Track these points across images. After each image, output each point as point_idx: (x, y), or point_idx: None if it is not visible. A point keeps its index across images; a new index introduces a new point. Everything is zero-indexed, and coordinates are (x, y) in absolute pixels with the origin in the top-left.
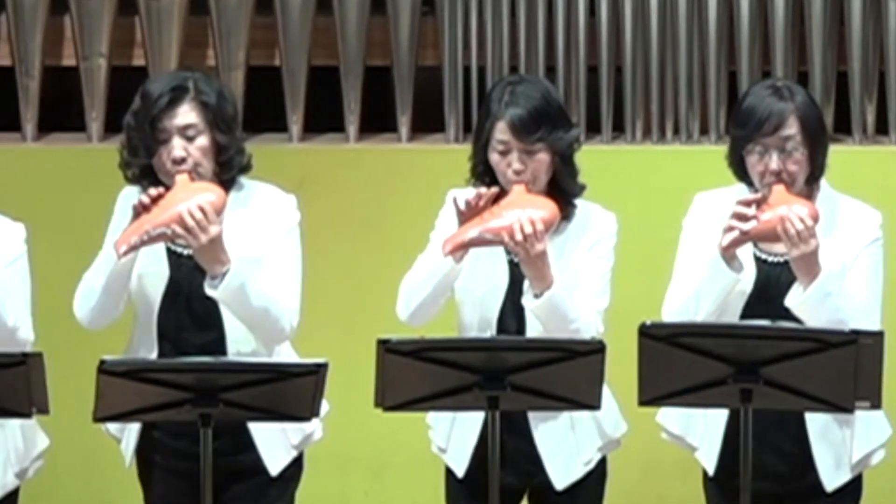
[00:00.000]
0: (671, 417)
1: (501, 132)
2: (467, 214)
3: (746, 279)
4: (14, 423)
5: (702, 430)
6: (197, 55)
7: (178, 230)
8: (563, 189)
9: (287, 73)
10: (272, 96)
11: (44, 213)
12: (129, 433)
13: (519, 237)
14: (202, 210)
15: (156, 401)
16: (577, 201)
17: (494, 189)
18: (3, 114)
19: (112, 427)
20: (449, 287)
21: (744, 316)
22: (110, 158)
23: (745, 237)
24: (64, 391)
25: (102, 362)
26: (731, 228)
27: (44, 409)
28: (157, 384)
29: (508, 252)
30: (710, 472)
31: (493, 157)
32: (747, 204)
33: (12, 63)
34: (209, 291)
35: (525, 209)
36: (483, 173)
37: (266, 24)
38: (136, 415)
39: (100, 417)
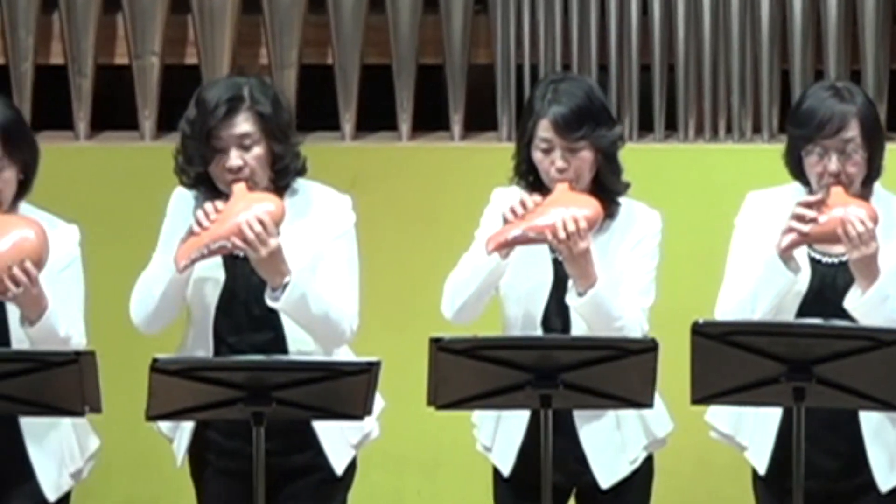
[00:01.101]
0: (720, 417)
1: (544, 130)
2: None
3: (802, 280)
4: (68, 425)
5: (752, 430)
6: (249, 54)
7: (238, 243)
8: (606, 187)
9: (339, 72)
10: (325, 95)
11: (96, 212)
12: (182, 432)
13: (562, 235)
14: (261, 223)
15: (208, 399)
16: (621, 199)
17: (538, 198)
18: (56, 112)
19: (164, 426)
20: (493, 285)
21: (799, 316)
22: (163, 157)
23: (803, 238)
24: (116, 390)
25: (155, 361)
26: (790, 230)
27: (96, 408)
28: (210, 382)
29: (553, 250)
30: (761, 471)
31: (537, 156)
32: (808, 206)
33: (65, 61)
34: (270, 303)
35: (568, 207)
36: (526, 172)
37: (319, 23)
38: (189, 413)
39: (152, 416)
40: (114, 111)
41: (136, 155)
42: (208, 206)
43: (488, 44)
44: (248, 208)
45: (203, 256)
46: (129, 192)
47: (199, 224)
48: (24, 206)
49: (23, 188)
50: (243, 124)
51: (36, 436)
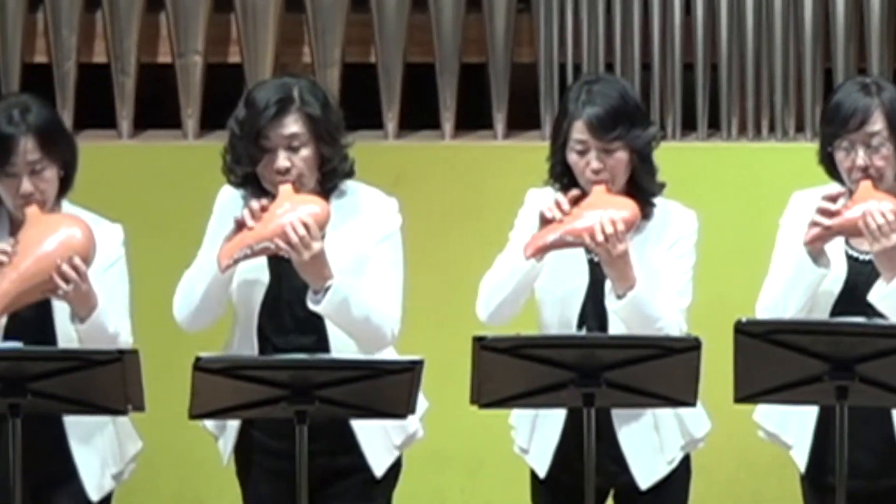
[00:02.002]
0: (767, 415)
1: (579, 132)
2: (549, 223)
3: (837, 276)
4: (110, 426)
5: (796, 428)
6: (293, 52)
7: (282, 245)
8: (642, 188)
9: (383, 71)
10: (368, 93)
11: (139, 210)
12: (228, 431)
13: (600, 238)
14: (305, 226)
15: (251, 398)
16: (657, 199)
17: (575, 191)
18: (99, 111)
19: (209, 424)
20: (529, 287)
21: (833, 313)
22: (206, 155)
23: (827, 232)
24: (160, 388)
25: (198, 359)
26: (814, 223)
27: (139, 407)
28: (253, 381)
29: (588, 251)
30: (802, 469)
31: (572, 157)
32: (832, 199)
33: (108, 60)
34: (312, 306)
35: (606, 210)
36: (561, 174)
37: (362, 21)
38: (232, 412)
39: (195, 415)
40: (157, 110)
41: (179, 154)
42: (254, 204)
43: (531, 42)
44: (293, 210)
45: (246, 257)
46: (171, 191)
47: (244, 223)
48: (67, 205)
49: (64, 186)
50: (292, 126)
51: (80, 436)
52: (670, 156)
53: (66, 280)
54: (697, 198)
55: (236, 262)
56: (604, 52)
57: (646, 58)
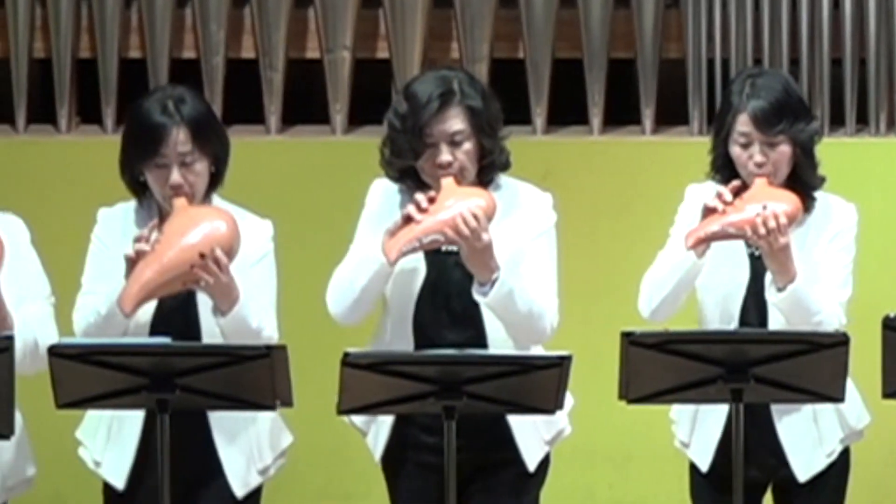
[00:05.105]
0: None
1: (743, 124)
2: (712, 213)
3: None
4: (260, 421)
5: None
6: (441, 48)
7: (452, 236)
8: (803, 181)
9: (531, 66)
10: (516, 89)
11: (286, 205)
12: (378, 427)
13: (763, 231)
14: (475, 217)
15: (399, 393)
16: (817, 193)
17: (736, 183)
18: (247, 106)
19: (358, 420)
20: (690, 283)
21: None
22: (354, 151)
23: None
24: (308, 384)
25: (346, 355)
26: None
27: (287, 402)
28: (401, 376)
29: (749, 245)
30: None
31: (735, 150)
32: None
33: (256, 56)
34: (478, 298)
35: (767, 202)
36: (723, 166)
37: (510, 17)
38: (380, 407)
39: (343, 410)
40: (305, 105)
41: (327, 149)
42: (421, 197)
43: (679, 38)
44: (461, 202)
45: (414, 249)
46: (319, 186)
47: (412, 217)
48: (217, 200)
49: (214, 181)
50: (454, 120)
51: (226, 433)
52: (818, 151)
53: (207, 271)
54: (846, 193)
55: (404, 254)
56: (752, 47)
57: (794, 53)
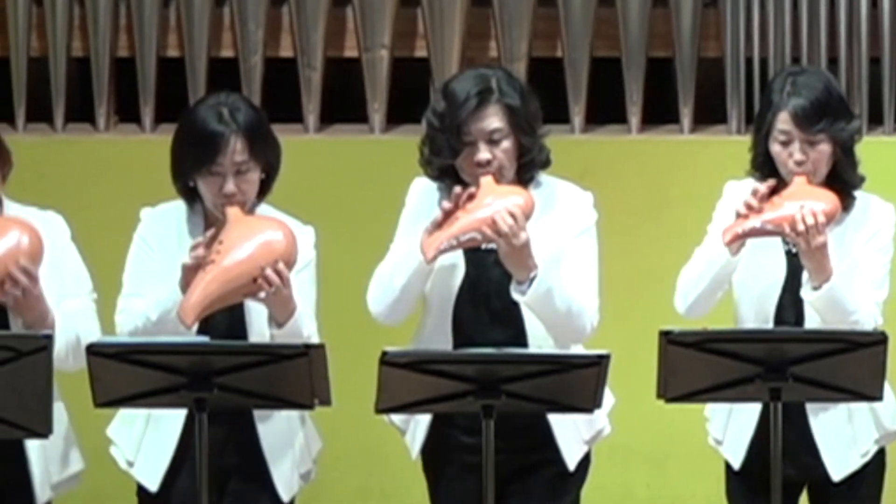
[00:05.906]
0: None
1: (784, 122)
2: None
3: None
4: (298, 427)
5: None
6: (479, 46)
7: (490, 234)
8: (843, 180)
9: (569, 65)
10: (554, 87)
11: (326, 204)
12: (417, 426)
13: (801, 228)
14: (513, 215)
15: (437, 392)
16: (856, 192)
17: (771, 182)
18: (286, 105)
19: (396, 418)
20: (726, 280)
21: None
22: (392, 150)
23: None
24: (346, 383)
25: (384, 354)
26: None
27: (326, 401)
28: (439, 375)
29: (786, 243)
30: None
31: (775, 148)
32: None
33: (294, 54)
34: (516, 296)
35: (806, 201)
36: (763, 164)
37: (548, 16)
38: (418, 406)
39: (382, 409)
40: (343, 104)
41: (366, 148)
42: (458, 188)
43: (718, 37)
44: (497, 201)
45: (452, 248)
46: (358, 185)
47: (450, 214)
48: (263, 207)
49: (263, 188)
50: (493, 118)
51: (272, 439)
52: (857, 149)
53: (270, 284)
54: (883, 191)
55: (442, 252)
56: (790, 46)
57: (832, 52)
